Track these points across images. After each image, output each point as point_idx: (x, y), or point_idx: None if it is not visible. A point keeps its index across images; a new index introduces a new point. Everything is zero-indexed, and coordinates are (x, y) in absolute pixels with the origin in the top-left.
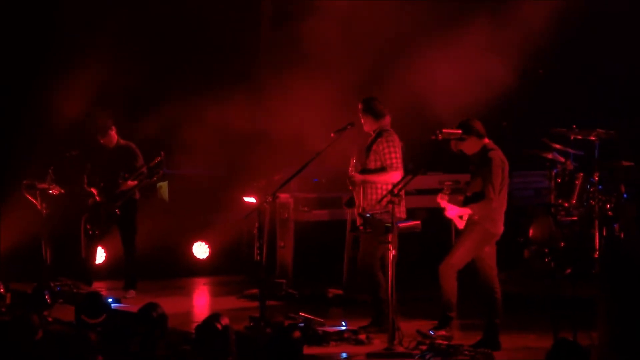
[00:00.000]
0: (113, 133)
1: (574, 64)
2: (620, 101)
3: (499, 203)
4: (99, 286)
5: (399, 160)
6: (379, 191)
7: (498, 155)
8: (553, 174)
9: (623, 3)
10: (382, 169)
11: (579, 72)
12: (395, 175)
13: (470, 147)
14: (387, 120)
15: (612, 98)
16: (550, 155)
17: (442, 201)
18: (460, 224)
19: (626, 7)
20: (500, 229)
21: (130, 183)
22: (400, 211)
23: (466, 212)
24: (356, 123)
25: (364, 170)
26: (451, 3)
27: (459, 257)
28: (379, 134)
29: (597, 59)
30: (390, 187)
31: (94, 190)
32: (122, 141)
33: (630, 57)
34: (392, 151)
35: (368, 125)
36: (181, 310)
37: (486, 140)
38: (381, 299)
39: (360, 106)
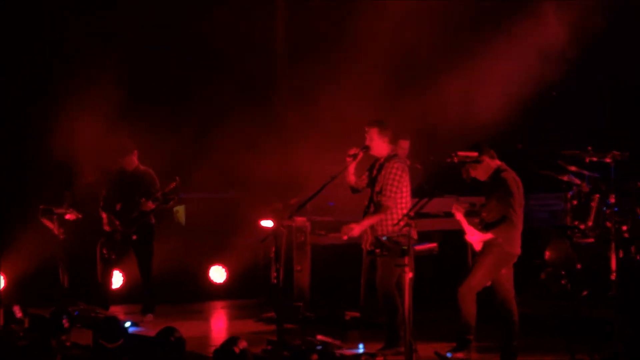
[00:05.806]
0: (134, 157)
1: (589, 84)
2: (636, 122)
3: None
4: (117, 310)
5: (394, 191)
6: (393, 214)
7: (511, 176)
8: (569, 196)
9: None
10: (376, 209)
11: (594, 93)
12: (385, 208)
13: (484, 171)
14: (397, 146)
15: (628, 119)
16: (565, 178)
17: (458, 212)
18: (478, 246)
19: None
20: (518, 250)
21: (150, 205)
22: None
23: (488, 237)
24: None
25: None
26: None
27: (478, 279)
28: (387, 159)
29: (611, 80)
30: (405, 210)
31: (104, 215)
32: (141, 167)
33: None
34: (393, 179)
35: (377, 150)
36: (199, 334)
37: (498, 163)
38: (399, 321)
39: (369, 130)
